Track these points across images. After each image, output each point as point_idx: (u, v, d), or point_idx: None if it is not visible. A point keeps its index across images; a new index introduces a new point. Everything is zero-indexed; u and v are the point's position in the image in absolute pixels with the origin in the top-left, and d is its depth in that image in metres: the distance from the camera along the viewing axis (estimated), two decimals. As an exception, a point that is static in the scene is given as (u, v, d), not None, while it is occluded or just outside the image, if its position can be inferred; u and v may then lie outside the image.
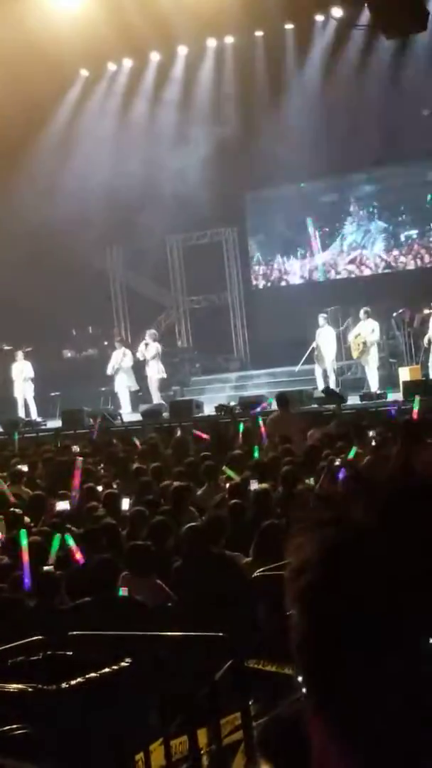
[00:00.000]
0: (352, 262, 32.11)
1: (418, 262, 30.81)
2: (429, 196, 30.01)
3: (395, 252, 31.31)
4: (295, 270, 32.83)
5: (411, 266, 30.79)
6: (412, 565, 1.21)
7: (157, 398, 28.09)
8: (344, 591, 1.23)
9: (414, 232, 30.95)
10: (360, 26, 26.88)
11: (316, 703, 1.26)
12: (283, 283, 32.86)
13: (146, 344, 28.48)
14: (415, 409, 17.75)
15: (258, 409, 22.21)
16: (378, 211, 31.61)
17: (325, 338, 26.15)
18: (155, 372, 28.16)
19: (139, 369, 29.16)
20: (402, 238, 31.19)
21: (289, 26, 29.18)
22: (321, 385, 25.92)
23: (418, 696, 1.18)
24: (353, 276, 31.99)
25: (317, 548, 1.27)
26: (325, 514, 1.31)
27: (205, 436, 19.02)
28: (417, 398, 18.45)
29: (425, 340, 25.21)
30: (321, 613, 1.25)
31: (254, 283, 33.46)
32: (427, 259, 30.69)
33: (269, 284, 33.24)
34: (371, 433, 16.75)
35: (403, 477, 1.31)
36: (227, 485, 13.28)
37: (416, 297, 27.27)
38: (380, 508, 1.27)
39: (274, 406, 20.27)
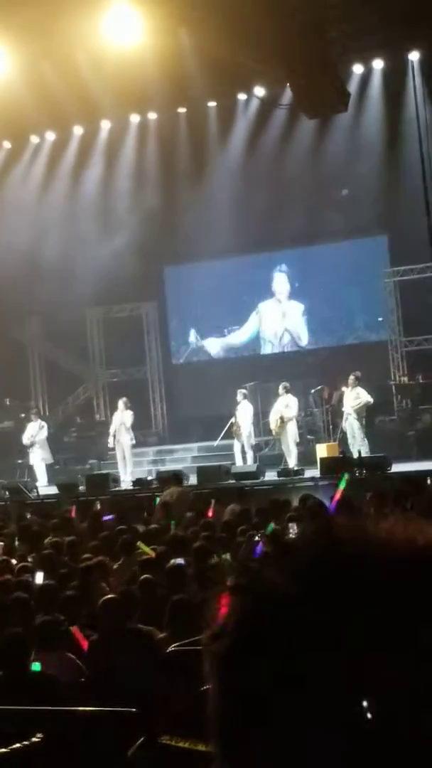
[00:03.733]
0: (268, 339, 32.34)
1: (337, 340, 31.01)
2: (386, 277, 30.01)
3: (313, 330, 31.49)
4: (213, 345, 32.92)
5: (329, 344, 30.96)
6: (328, 631, 1.17)
7: (131, 466, 27.83)
8: (259, 657, 1.19)
9: (333, 311, 31.11)
10: (282, 106, 27.24)
11: None
12: (202, 358, 32.89)
13: (121, 411, 28.13)
14: (341, 489, 17.14)
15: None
16: (297, 289, 31.82)
17: (244, 414, 26.16)
18: (128, 439, 27.89)
19: (98, 435, 29.09)
20: (320, 316, 31.36)
21: (212, 104, 29.51)
22: (239, 461, 25.97)
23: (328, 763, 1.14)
24: (272, 353, 32.16)
25: (234, 614, 1.24)
26: (242, 580, 1.28)
27: (108, 517, 18.74)
28: (345, 476, 17.76)
29: (344, 419, 25.33)
30: (235, 680, 1.21)
31: (173, 357, 33.54)
32: (345, 337, 30.92)
33: (188, 359, 33.29)
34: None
35: (322, 543, 1.28)
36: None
37: (335, 375, 27.47)
38: (298, 573, 1.23)
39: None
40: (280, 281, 32.17)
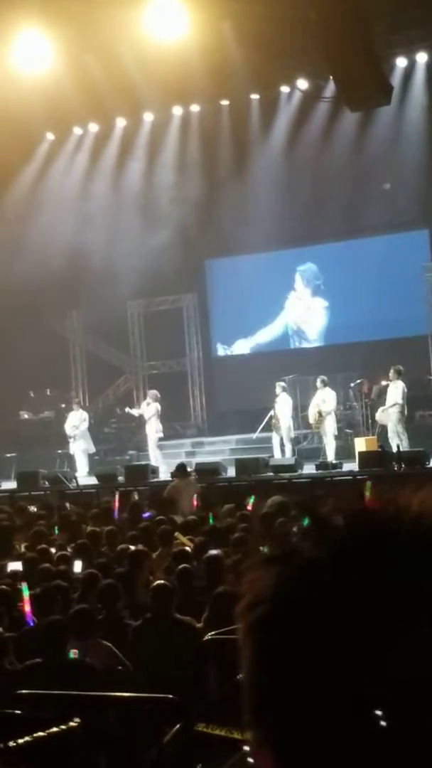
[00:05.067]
0: (307, 331, 32.36)
1: (377, 334, 30.79)
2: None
3: (352, 323, 31.35)
4: (253, 338, 32.92)
5: (369, 338, 30.76)
6: (361, 602, 1.21)
7: (155, 456, 27.86)
8: (293, 625, 1.23)
9: (373, 305, 30.93)
10: (325, 98, 27.18)
11: (263, 738, 1.25)
12: (241, 351, 32.89)
13: (147, 403, 28.34)
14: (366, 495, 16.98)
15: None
16: (336, 282, 31.74)
17: (283, 407, 26.11)
18: (153, 431, 27.98)
19: (138, 426, 29.42)
20: (360, 310, 31.21)
21: (254, 96, 29.46)
22: (278, 454, 25.93)
23: (361, 728, 1.18)
24: (311, 346, 32.16)
25: (269, 583, 1.27)
26: (279, 551, 1.32)
27: (147, 514, 18.73)
28: (368, 484, 17.82)
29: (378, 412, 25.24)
30: (269, 647, 1.25)
31: (213, 350, 33.58)
32: (385, 331, 30.71)
33: (228, 352, 33.30)
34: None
35: (358, 516, 1.31)
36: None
37: (375, 368, 27.37)
38: (333, 544, 1.27)
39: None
40: (299, 280, 32.21)
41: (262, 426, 26.55)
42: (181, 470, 21.47)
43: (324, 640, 1.20)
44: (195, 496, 19.71)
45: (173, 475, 21.63)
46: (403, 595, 1.21)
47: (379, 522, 1.28)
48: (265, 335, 32.75)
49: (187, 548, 13.20)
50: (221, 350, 33.62)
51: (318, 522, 1.32)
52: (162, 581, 9.88)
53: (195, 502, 19.31)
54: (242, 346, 33.19)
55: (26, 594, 10.40)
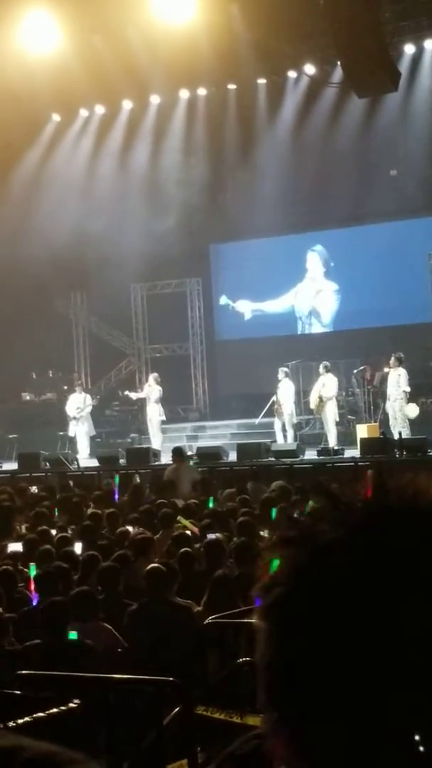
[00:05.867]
0: (310, 318, 32.30)
1: (381, 320, 30.72)
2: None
3: (358, 310, 31.28)
4: (245, 307, 32.88)
5: (374, 324, 30.70)
6: (380, 583, 1.20)
7: (158, 440, 27.75)
8: (311, 606, 1.22)
9: (378, 291, 30.83)
10: (332, 84, 27.10)
11: (278, 720, 1.25)
12: (244, 336, 32.82)
13: (149, 385, 28.33)
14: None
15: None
16: (342, 268, 31.68)
17: (285, 392, 26.10)
18: (156, 414, 27.98)
19: (140, 410, 29.59)
20: (365, 296, 31.14)
21: (261, 80, 29.40)
22: (280, 439, 25.95)
23: (374, 709, 1.18)
24: (318, 331, 32.10)
25: (286, 564, 1.27)
26: (295, 532, 1.31)
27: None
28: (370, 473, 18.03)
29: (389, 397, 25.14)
30: (286, 627, 1.24)
31: (216, 334, 33.53)
32: (389, 318, 30.65)
33: (231, 336, 33.23)
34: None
35: (374, 498, 1.31)
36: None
37: (379, 355, 27.32)
38: (351, 525, 1.26)
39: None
40: (313, 260, 32.10)
41: (264, 411, 26.57)
42: (178, 454, 21.50)
43: (341, 621, 1.20)
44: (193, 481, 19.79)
45: (172, 459, 21.65)
46: (422, 577, 1.20)
47: (397, 504, 1.27)
48: (270, 306, 32.59)
49: (188, 532, 13.18)
50: (223, 300, 33.47)
51: (335, 503, 1.31)
52: (156, 564, 9.89)
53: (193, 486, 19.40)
54: (245, 306, 33.05)
55: (33, 574, 10.47)
